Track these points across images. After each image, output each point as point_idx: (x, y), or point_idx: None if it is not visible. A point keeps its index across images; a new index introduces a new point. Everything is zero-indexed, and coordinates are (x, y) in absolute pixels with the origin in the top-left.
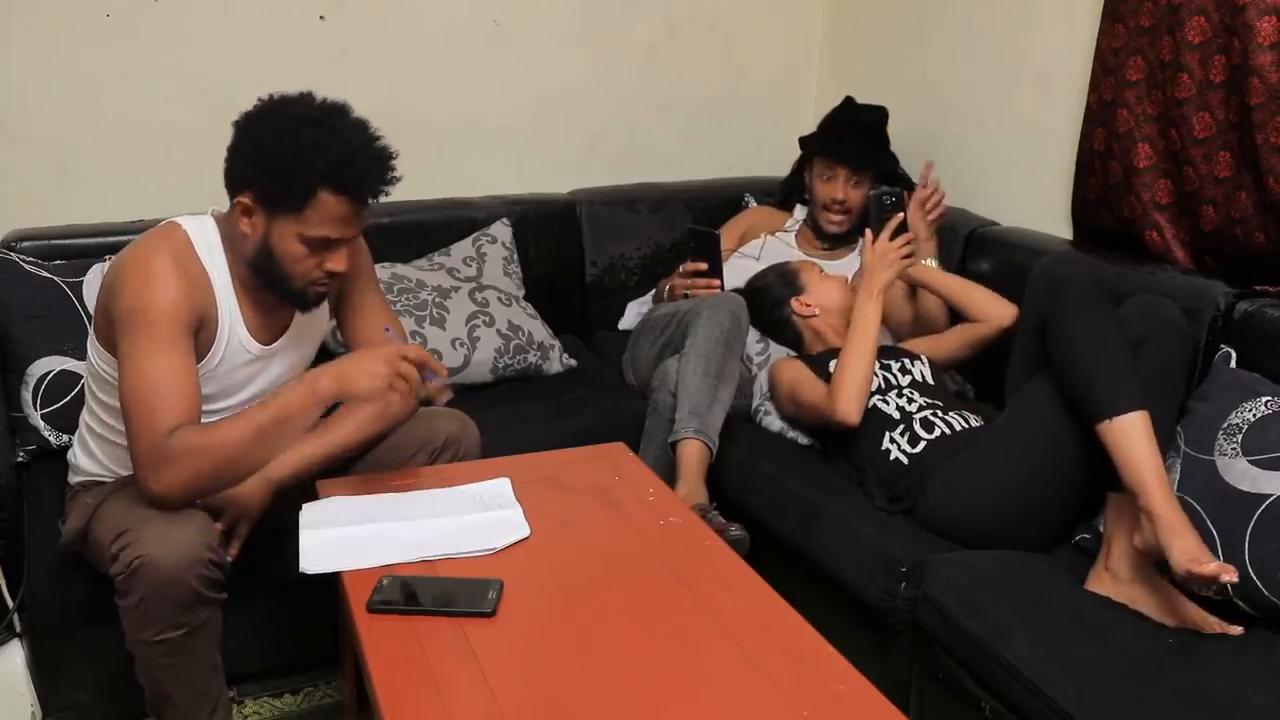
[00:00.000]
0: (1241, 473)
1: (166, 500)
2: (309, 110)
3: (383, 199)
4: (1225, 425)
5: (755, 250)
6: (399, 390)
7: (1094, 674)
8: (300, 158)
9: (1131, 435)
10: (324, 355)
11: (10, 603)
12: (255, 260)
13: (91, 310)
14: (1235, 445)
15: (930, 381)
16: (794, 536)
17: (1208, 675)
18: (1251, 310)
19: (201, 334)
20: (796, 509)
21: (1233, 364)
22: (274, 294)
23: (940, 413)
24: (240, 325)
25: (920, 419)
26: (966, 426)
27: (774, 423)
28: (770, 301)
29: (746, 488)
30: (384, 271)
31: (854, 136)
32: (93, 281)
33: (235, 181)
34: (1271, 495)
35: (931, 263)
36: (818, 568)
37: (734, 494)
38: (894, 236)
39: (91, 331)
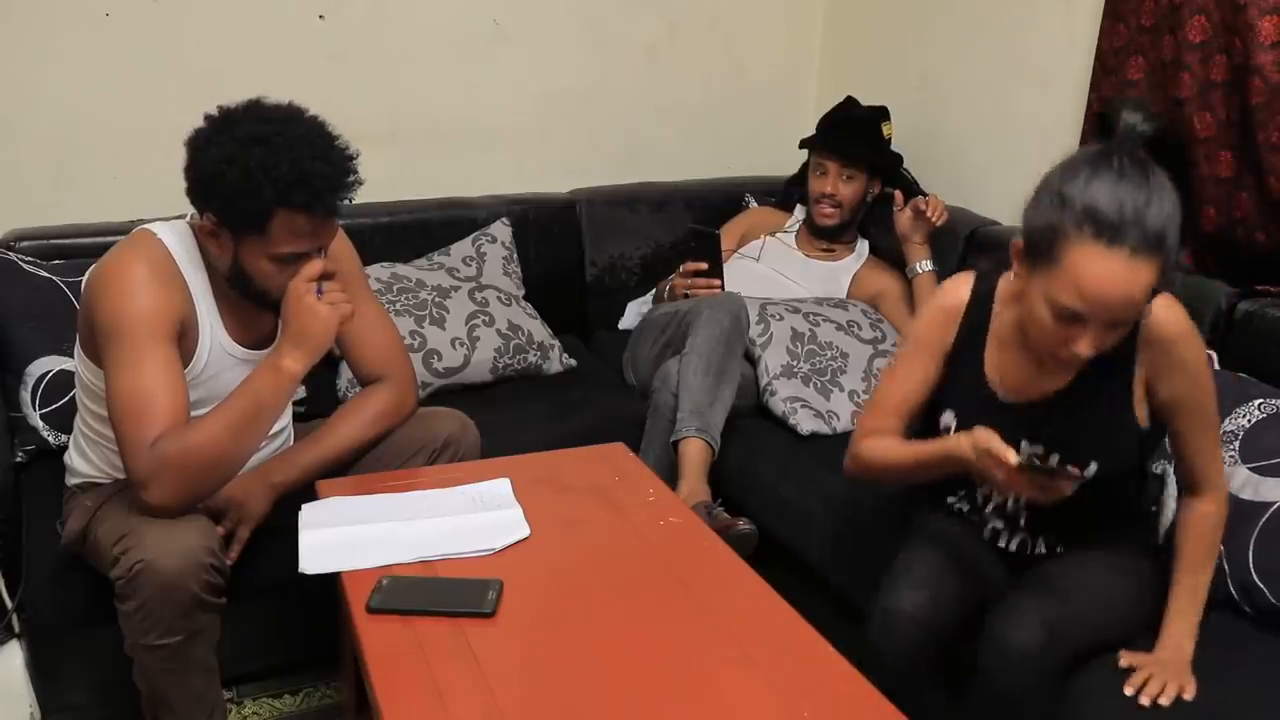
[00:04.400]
0: (1243, 482)
1: (164, 510)
2: (255, 127)
3: (352, 202)
4: (1221, 433)
5: (755, 251)
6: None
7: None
8: (251, 182)
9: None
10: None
11: (9, 603)
12: (231, 278)
13: None
14: (1233, 453)
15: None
16: (791, 539)
17: None
18: (1252, 310)
19: (183, 341)
20: (793, 515)
21: (1215, 367)
22: (256, 305)
23: (1028, 536)
24: (221, 330)
25: (992, 527)
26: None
27: (778, 404)
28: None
29: (746, 490)
30: (384, 271)
31: (845, 132)
32: None
33: (195, 203)
34: (1275, 503)
35: (926, 265)
36: (816, 570)
37: (736, 495)
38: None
39: (76, 340)
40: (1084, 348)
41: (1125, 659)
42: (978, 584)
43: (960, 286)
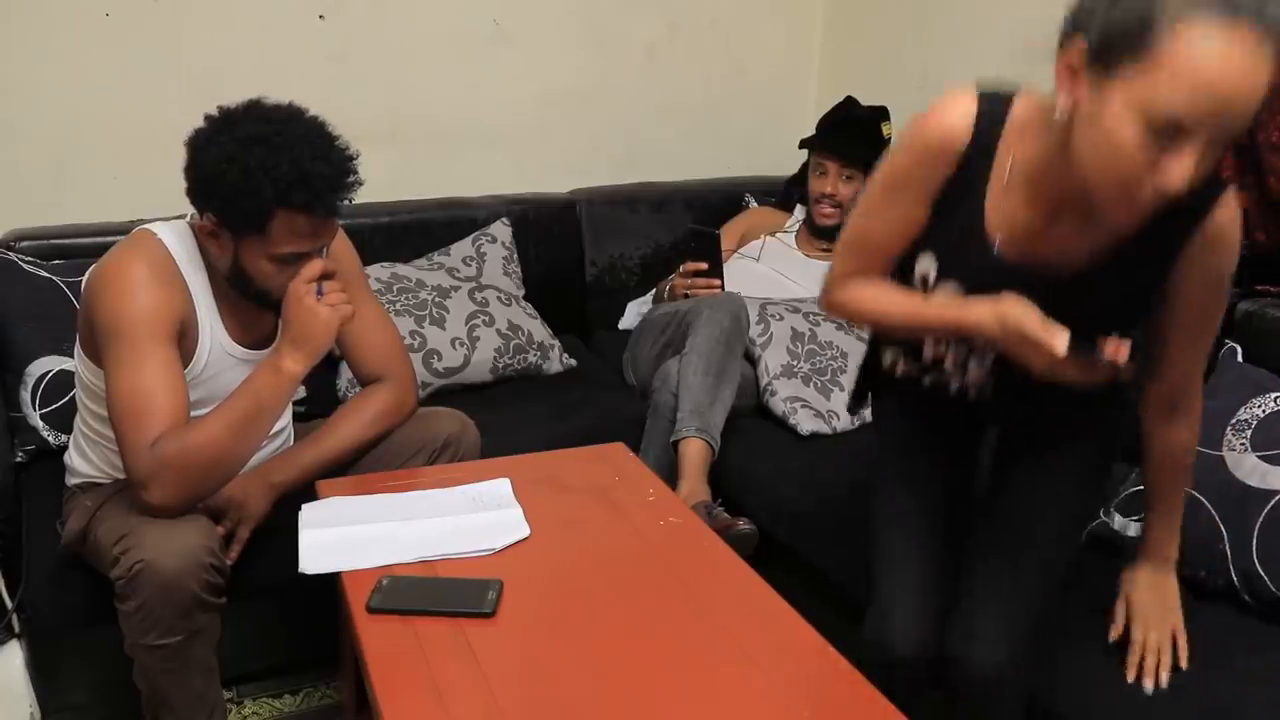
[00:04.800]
0: (1251, 468)
1: (164, 510)
2: (255, 127)
3: (352, 202)
4: (1234, 421)
5: (755, 251)
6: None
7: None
8: (251, 182)
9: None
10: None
11: (9, 603)
12: (231, 279)
13: None
14: (1244, 441)
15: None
16: (791, 539)
17: None
18: (1253, 310)
19: (184, 341)
20: (793, 515)
21: (1239, 359)
22: (256, 305)
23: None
24: (221, 330)
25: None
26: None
27: (779, 404)
28: None
29: (746, 490)
30: (384, 271)
31: (845, 132)
32: None
33: (195, 203)
34: None
35: None
36: (816, 570)
37: (736, 495)
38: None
39: (76, 340)
40: (1181, 170)
41: (1115, 632)
42: (951, 572)
43: (957, 115)
